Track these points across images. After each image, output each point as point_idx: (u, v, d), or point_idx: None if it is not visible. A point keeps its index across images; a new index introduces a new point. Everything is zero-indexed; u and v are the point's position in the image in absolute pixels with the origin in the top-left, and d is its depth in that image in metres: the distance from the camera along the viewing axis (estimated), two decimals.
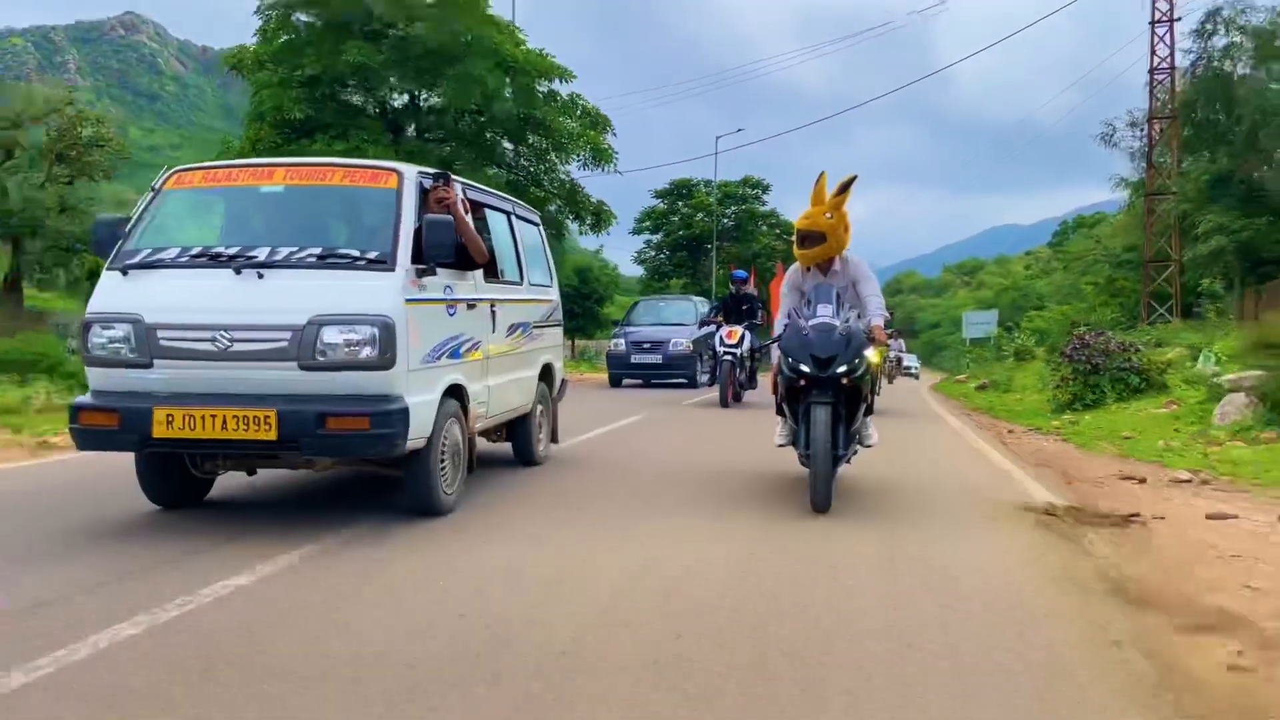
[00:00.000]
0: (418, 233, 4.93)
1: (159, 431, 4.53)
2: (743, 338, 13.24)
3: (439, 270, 5.08)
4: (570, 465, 7.25)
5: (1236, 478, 6.86)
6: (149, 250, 4.89)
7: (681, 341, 18.20)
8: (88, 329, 4.76)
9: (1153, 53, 22.91)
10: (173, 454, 4.99)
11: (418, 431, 4.77)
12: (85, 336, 4.78)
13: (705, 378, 17.60)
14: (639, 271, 47.33)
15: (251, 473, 5.60)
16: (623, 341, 19.16)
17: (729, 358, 13.15)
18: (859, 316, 5.72)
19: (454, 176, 5.56)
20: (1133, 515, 5.33)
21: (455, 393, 5.30)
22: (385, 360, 4.59)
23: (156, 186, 5.20)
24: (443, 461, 5.13)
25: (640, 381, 18.78)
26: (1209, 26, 20.80)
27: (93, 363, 4.78)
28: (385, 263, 4.76)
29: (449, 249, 4.93)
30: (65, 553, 4.31)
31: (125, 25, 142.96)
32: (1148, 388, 12.43)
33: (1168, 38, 22.50)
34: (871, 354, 5.65)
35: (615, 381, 19.11)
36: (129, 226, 5.01)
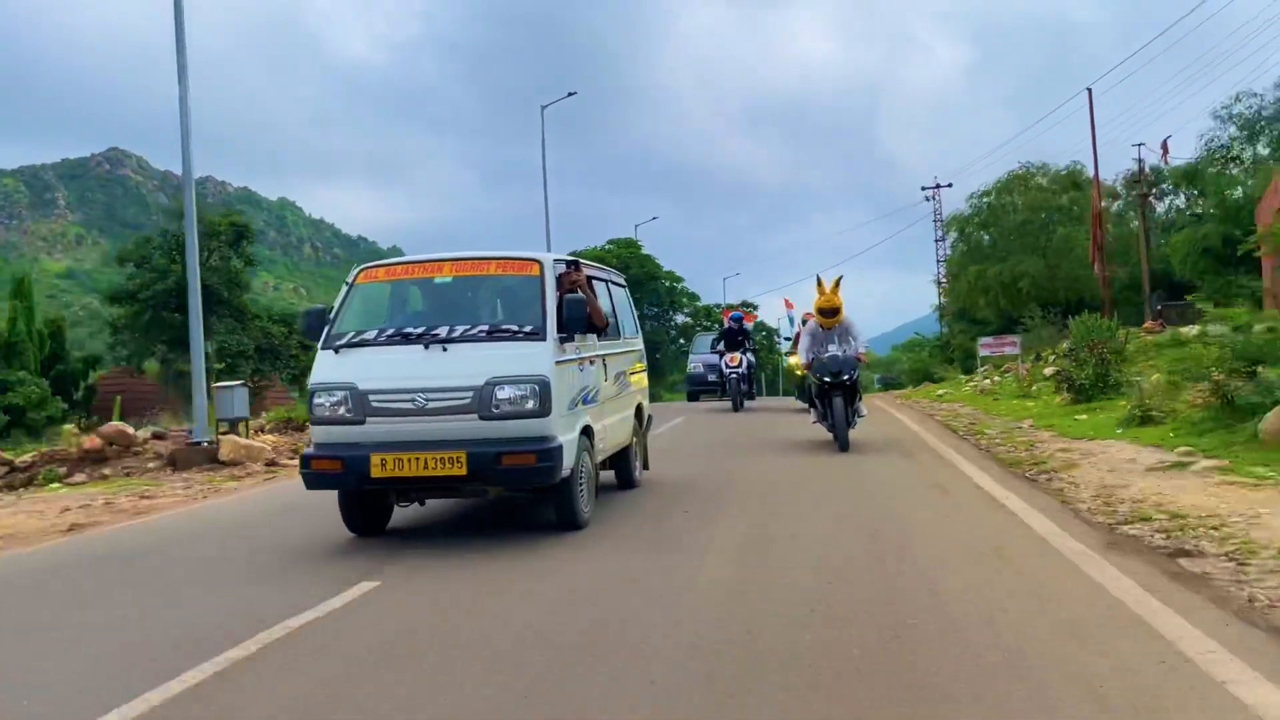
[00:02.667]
0: (558, 308, 6.30)
1: (375, 473, 5.77)
2: (741, 361, 17.82)
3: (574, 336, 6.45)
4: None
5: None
6: (353, 333, 6.20)
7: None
8: (313, 396, 6.02)
9: (935, 236, 48.36)
10: (368, 492, 6.18)
11: (568, 464, 6.05)
12: (311, 401, 6.05)
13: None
14: None
15: (422, 503, 6.77)
16: (700, 365, 22.40)
17: (734, 375, 17.81)
18: (853, 347, 10.69)
19: (580, 260, 6.94)
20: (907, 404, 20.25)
21: (586, 431, 6.57)
22: (544, 410, 5.88)
23: (350, 281, 6.53)
24: (581, 486, 6.39)
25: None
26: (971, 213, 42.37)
27: (317, 421, 6.02)
28: (538, 334, 6.07)
29: (583, 321, 6.30)
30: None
31: (110, 160, 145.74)
32: (931, 384, 30.01)
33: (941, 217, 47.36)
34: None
35: (693, 397, 22.65)
36: (333, 314, 6.35)
